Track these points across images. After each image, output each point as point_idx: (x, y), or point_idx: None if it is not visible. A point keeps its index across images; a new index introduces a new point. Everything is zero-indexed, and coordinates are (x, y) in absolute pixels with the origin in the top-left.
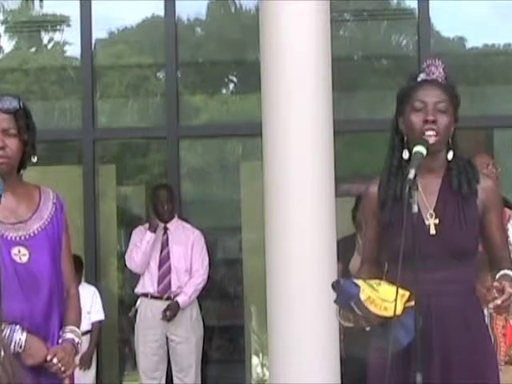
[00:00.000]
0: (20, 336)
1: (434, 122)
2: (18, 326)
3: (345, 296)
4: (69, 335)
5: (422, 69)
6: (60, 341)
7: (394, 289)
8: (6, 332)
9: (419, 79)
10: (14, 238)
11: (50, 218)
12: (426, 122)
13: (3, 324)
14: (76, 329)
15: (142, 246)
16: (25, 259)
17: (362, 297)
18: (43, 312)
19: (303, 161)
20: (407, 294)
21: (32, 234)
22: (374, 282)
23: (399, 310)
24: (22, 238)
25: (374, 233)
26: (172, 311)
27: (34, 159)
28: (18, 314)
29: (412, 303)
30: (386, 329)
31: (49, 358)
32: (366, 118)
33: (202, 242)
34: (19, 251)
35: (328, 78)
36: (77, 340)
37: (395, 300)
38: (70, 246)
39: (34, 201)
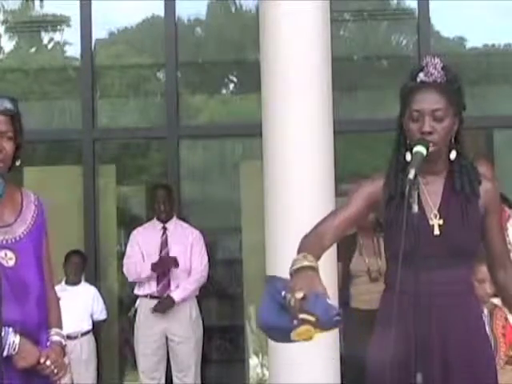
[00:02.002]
0: (14, 338)
1: (430, 133)
2: (10, 329)
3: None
4: (56, 337)
5: (421, 67)
6: (48, 343)
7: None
8: (1, 335)
9: (418, 79)
10: (0, 242)
11: (34, 221)
12: (422, 133)
13: None
14: (60, 331)
15: (139, 276)
16: (11, 263)
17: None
18: (33, 316)
19: (303, 161)
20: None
21: (18, 238)
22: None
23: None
24: (9, 241)
25: (354, 213)
26: (162, 304)
27: (18, 163)
28: (9, 318)
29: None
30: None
31: (42, 360)
32: (365, 117)
33: (201, 242)
34: (6, 255)
35: (328, 78)
36: (64, 342)
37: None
38: (49, 248)
39: (16, 204)
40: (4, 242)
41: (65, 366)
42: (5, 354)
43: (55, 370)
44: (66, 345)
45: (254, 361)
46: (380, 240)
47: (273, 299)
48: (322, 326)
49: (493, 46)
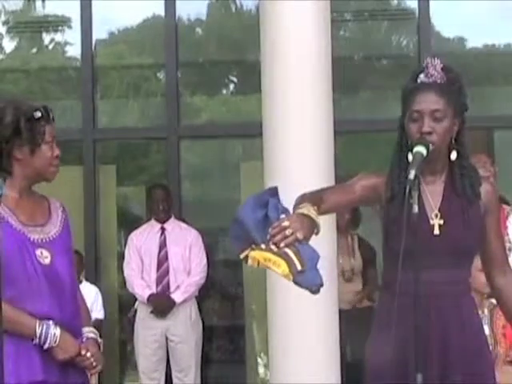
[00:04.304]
0: (54, 331)
1: (429, 133)
2: (51, 321)
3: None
4: (91, 334)
5: (422, 68)
6: (84, 339)
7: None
8: (42, 328)
9: (419, 80)
10: (36, 240)
11: (62, 226)
12: (422, 133)
13: (37, 321)
14: (93, 329)
15: (133, 291)
16: (47, 261)
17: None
18: (69, 312)
19: (303, 161)
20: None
21: (51, 238)
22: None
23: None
24: (43, 240)
25: (350, 201)
26: (161, 305)
27: None
28: (48, 313)
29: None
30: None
31: (83, 352)
32: (365, 118)
33: (199, 242)
34: (42, 253)
35: (328, 78)
36: (99, 339)
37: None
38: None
39: (44, 208)
40: (39, 240)
41: (102, 359)
42: (46, 346)
43: (94, 363)
44: (101, 342)
45: (254, 361)
46: (354, 239)
47: (262, 208)
48: (301, 278)
49: (493, 46)
